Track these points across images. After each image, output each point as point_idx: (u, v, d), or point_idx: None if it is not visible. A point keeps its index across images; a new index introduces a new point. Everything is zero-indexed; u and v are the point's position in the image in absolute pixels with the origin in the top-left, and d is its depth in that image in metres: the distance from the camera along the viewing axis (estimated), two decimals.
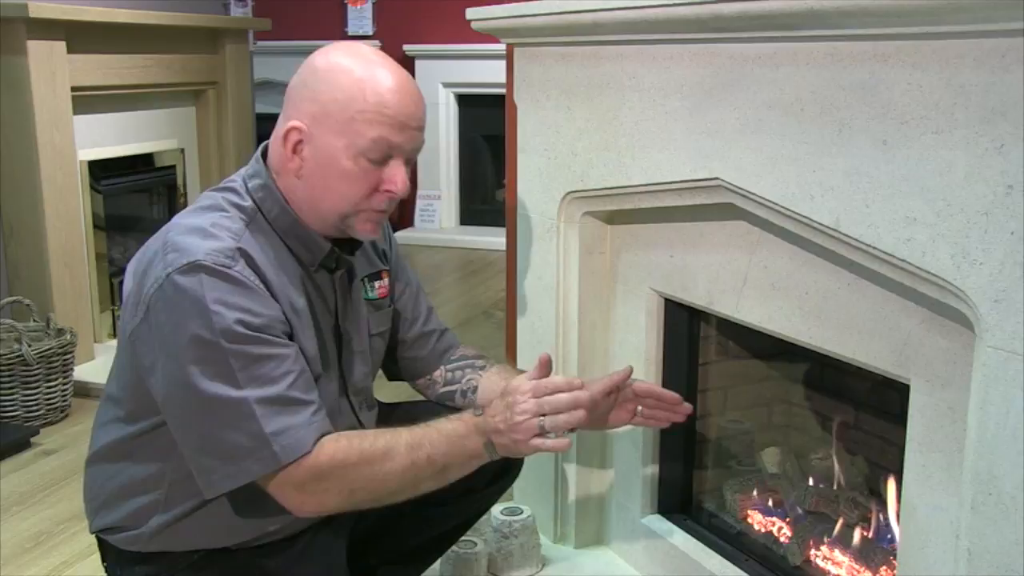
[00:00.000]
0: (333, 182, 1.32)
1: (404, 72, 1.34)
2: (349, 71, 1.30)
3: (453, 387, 1.64)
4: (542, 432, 1.32)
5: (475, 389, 1.63)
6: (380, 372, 1.65)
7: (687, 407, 1.58)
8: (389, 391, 1.74)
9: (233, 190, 1.38)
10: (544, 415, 1.32)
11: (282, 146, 1.34)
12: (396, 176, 1.33)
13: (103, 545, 1.46)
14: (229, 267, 1.25)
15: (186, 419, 1.26)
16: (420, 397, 1.71)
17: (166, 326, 1.24)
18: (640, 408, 1.57)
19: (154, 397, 1.30)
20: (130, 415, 1.36)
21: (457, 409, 1.59)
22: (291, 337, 1.32)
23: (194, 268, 1.23)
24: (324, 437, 1.28)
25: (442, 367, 1.66)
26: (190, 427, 1.26)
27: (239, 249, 1.28)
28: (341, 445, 1.28)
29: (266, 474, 1.25)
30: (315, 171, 1.33)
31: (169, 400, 1.27)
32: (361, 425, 1.51)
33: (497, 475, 1.66)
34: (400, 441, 1.30)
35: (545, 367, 1.37)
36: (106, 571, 1.47)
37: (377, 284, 1.56)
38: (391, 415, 1.66)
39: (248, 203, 1.36)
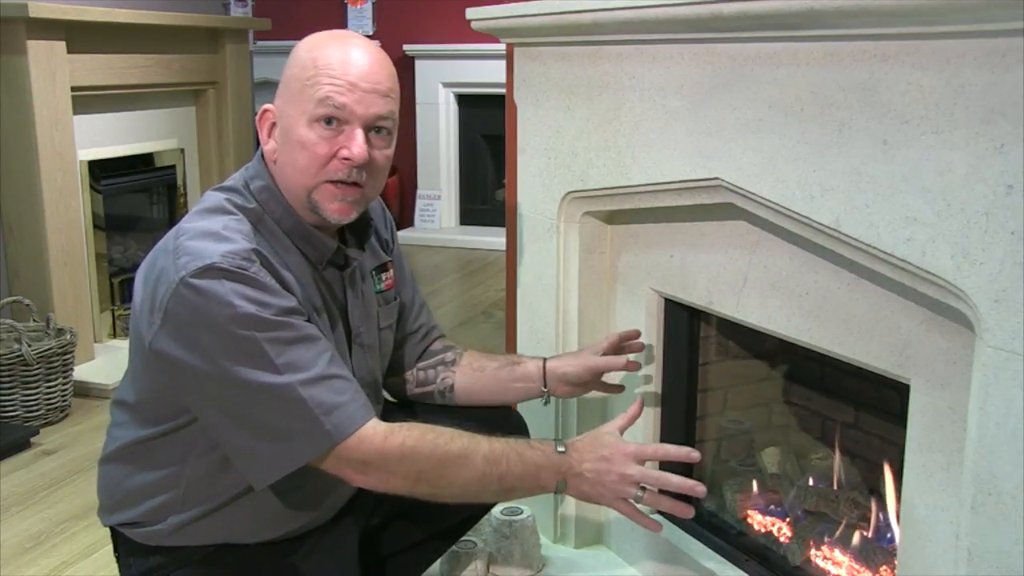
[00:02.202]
0: (294, 154, 1.32)
1: (369, 43, 1.34)
2: (308, 46, 1.33)
3: (428, 388, 1.65)
4: (635, 500, 1.35)
5: (452, 388, 1.64)
6: None
7: (640, 343, 1.73)
8: None
9: (236, 191, 1.37)
10: (644, 488, 1.35)
11: (260, 131, 1.37)
12: (350, 141, 1.30)
13: (116, 536, 1.46)
14: (246, 268, 1.24)
15: (231, 415, 1.26)
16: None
17: (191, 329, 1.23)
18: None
19: (183, 401, 1.29)
20: (147, 419, 1.36)
21: (437, 408, 1.65)
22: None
23: (210, 271, 1.23)
24: (401, 424, 1.30)
25: (416, 366, 1.67)
26: (237, 421, 1.26)
27: (254, 250, 1.27)
28: (414, 434, 1.29)
29: (321, 453, 1.25)
30: (282, 148, 1.34)
31: (208, 400, 1.27)
32: None
33: None
34: (478, 451, 1.30)
35: (637, 412, 1.44)
36: (117, 561, 1.48)
37: (384, 276, 1.56)
38: (396, 414, 1.66)
39: (252, 205, 1.35)
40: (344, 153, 1.31)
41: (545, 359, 1.65)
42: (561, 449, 1.35)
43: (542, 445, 1.36)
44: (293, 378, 1.23)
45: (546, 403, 1.66)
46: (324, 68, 1.29)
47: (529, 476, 1.33)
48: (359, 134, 1.31)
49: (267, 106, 1.36)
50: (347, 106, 1.29)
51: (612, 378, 1.74)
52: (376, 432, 1.27)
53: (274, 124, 1.35)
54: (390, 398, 1.69)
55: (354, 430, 1.26)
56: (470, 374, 1.64)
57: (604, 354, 1.65)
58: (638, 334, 1.74)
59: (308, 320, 1.31)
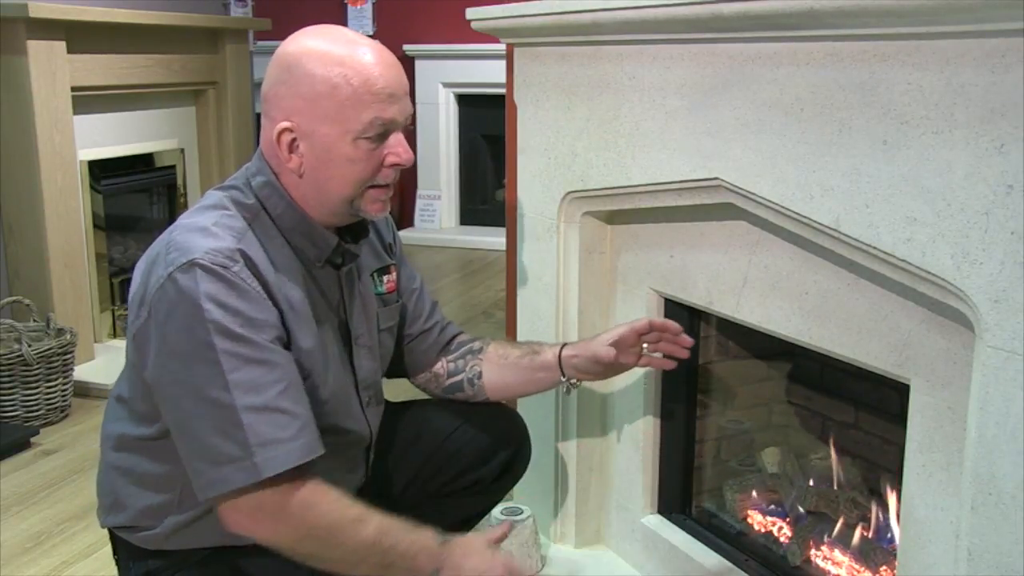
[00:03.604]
0: (337, 170, 1.32)
1: (374, 42, 1.34)
2: (322, 57, 1.29)
3: (459, 377, 1.65)
4: None
5: (480, 375, 1.64)
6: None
7: (688, 339, 1.62)
8: (397, 390, 1.73)
9: (237, 188, 1.38)
10: None
11: (277, 148, 1.33)
12: (398, 147, 1.33)
13: (114, 539, 1.46)
14: (227, 267, 1.24)
15: (179, 420, 1.26)
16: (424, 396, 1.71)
17: (164, 326, 1.24)
18: (645, 347, 1.62)
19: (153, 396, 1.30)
20: (141, 417, 1.36)
21: (446, 403, 1.65)
22: (288, 344, 1.31)
23: (192, 267, 1.23)
24: (311, 482, 1.26)
25: (443, 359, 1.66)
26: (183, 429, 1.26)
27: (239, 250, 1.27)
28: (321, 488, 1.27)
29: (246, 486, 1.22)
30: (316, 165, 1.33)
31: (164, 400, 1.27)
32: (367, 422, 1.51)
33: (504, 470, 1.67)
34: (373, 519, 1.29)
35: (506, 531, 1.42)
36: (117, 564, 1.47)
37: (386, 278, 1.56)
38: (396, 414, 1.66)
39: (252, 201, 1.36)
40: (393, 159, 1.33)
41: (563, 345, 1.64)
42: (442, 540, 1.34)
43: (425, 532, 1.34)
44: (239, 400, 1.21)
45: (567, 392, 1.63)
46: (361, 87, 1.28)
47: (410, 556, 1.31)
48: (402, 139, 1.34)
49: (284, 124, 1.31)
50: (394, 119, 1.32)
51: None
52: (295, 480, 1.24)
53: (294, 139, 1.32)
54: (394, 399, 1.70)
55: (280, 471, 1.22)
56: (496, 361, 1.64)
57: (616, 343, 1.59)
58: (679, 330, 1.62)
59: (285, 331, 1.30)
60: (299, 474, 1.25)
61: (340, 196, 1.34)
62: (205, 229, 1.29)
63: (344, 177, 1.33)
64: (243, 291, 1.25)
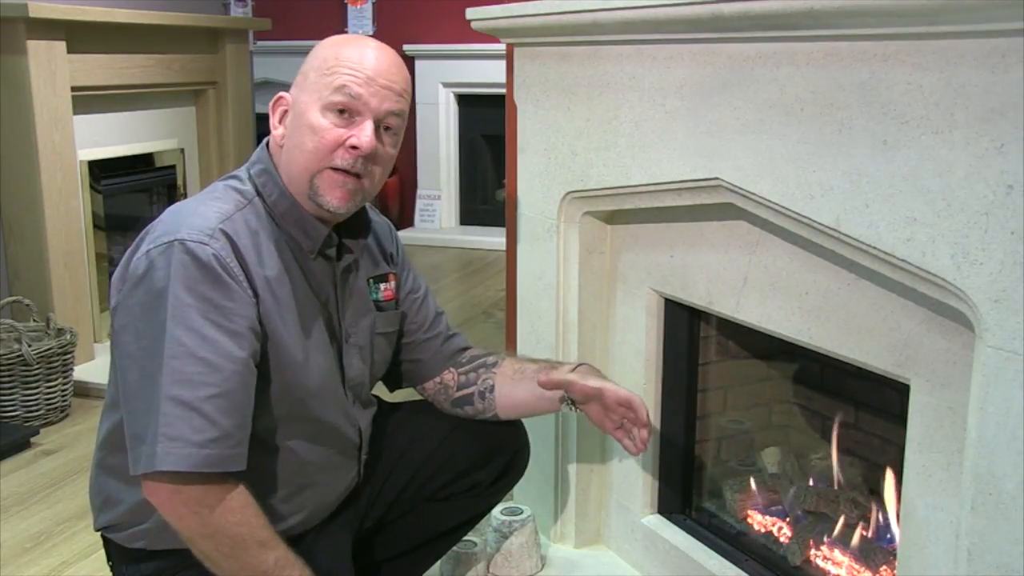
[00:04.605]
0: (301, 138, 1.34)
1: (387, 47, 1.38)
2: (331, 43, 1.37)
3: (469, 389, 1.63)
4: None
5: (492, 388, 1.62)
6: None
7: (641, 439, 1.55)
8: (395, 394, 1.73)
9: (236, 177, 1.41)
10: None
11: (271, 116, 1.39)
12: (360, 131, 1.33)
13: (107, 544, 1.46)
14: (206, 243, 1.26)
15: (123, 391, 1.28)
16: (419, 397, 1.71)
17: (129, 298, 1.27)
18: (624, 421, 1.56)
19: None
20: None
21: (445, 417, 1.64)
22: (263, 330, 1.31)
23: (171, 246, 1.25)
24: (237, 490, 1.26)
25: (454, 371, 1.65)
26: (123, 400, 1.28)
27: (221, 230, 1.29)
28: (243, 502, 1.27)
29: (142, 472, 1.23)
30: (291, 134, 1.37)
31: (115, 370, 1.30)
32: (356, 421, 1.51)
33: (502, 473, 1.67)
34: (277, 550, 1.29)
35: None
36: (111, 570, 1.47)
37: (383, 287, 1.55)
38: (392, 415, 1.66)
39: (248, 187, 1.38)
40: (353, 141, 1.33)
41: (578, 366, 1.61)
42: None
43: None
44: (166, 388, 1.21)
45: (570, 409, 1.59)
46: (344, 60, 1.33)
47: None
48: (369, 125, 1.34)
49: (282, 93, 1.40)
50: (362, 97, 1.33)
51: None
52: (219, 482, 1.24)
53: (286, 111, 1.39)
54: (402, 398, 1.70)
55: (173, 470, 1.21)
56: (510, 374, 1.62)
57: (549, 383, 1.57)
58: (644, 423, 1.54)
59: (256, 320, 1.29)
60: (221, 478, 1.25)
61: (302, 168, 1.35)
62: (191, 210, 1.31)
63: (304, 147, 1.34)
64: (217, 276, 1.25)
